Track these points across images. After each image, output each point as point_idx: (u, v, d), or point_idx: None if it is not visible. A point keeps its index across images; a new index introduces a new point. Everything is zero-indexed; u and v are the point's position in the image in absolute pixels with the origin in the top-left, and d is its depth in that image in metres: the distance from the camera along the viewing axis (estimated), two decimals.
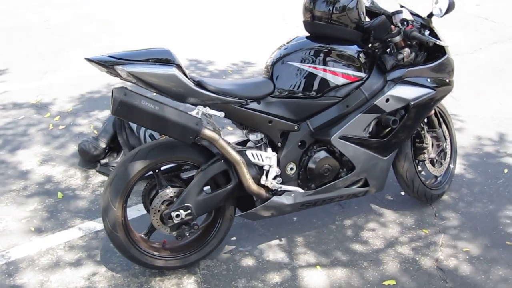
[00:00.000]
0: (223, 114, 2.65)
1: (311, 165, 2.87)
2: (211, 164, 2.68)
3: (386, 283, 2.78)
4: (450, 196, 3.53)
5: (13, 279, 2.79)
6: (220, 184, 2.76)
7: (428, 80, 3.00)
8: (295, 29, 6.79)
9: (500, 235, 3.15)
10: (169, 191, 2.67)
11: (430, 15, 3.04)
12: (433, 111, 3.26)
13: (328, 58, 2.79)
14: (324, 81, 2.78)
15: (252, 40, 6.98)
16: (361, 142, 2.90)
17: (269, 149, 2.81)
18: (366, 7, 3.02)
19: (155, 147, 2.63)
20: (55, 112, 4.81)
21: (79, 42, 6.83)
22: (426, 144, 3.25)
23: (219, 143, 2.59)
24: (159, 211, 2.67)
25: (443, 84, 3.06)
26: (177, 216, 2.62)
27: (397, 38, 2.92)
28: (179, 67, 2.48)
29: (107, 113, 4.73)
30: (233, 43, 6.86)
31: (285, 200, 2.83)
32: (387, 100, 2.87)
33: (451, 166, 3.52)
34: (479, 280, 2.79)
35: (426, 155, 3.26)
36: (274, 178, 2.82)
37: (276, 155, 2.80)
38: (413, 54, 3.00)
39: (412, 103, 2.91)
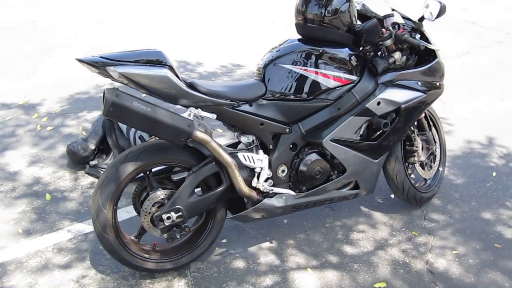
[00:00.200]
0: (215, 116, 2.65)
1: (302, 167, 2.87)
2: (203, 166, 2.67)
3: (376, 285, 2.79)
4: (439, 199, 3.55)
5: (1, 282, 2.76)
6: (212, 186, 2.75)
7: (419, 83, 3.01)
8: (284, 32, 6.81)
9: (489, 237, 3.17)
10: (160, 193, 2.66)
11: (421, 19, 3.06)
12: (423, 114, 3.27)
13: (319, 61, 2.80)
14: (315, 84, 2.79)
15: (241, 42, 6.97)
16: (352, 145, 2.90)
17: (261, 152, 2.80)
18: (357, 10, 3.03)
19: (146, 149, 2.61)
20: (43, 113, 4.77)
21: (67, 43, 6.77)
22: (416, 147, 3.26)
23: (210, 145, 2.58)
24: (149, 213, 2.66)
25: (433, 88, 3.07)
26: (168, 218, 2.61)
27: (388, 42, 2.93)
28: (171, 68, 2.47)
29: (96, 114, 4.70)
30: (222, 45, 6.84)
31: (276, 202, 2.83)
32: (378, 103, 2.88)
33: (441, 169, 3.54)
34: (469, 283, 2.81)
35: (416, 158, 3.28)
36: (266, 180, 2.81)
37: (267, 157, 2.80)
38: (404, 57, 3.01)
39: (403, 106, 2.92)
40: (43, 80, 5.56)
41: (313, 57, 2.80)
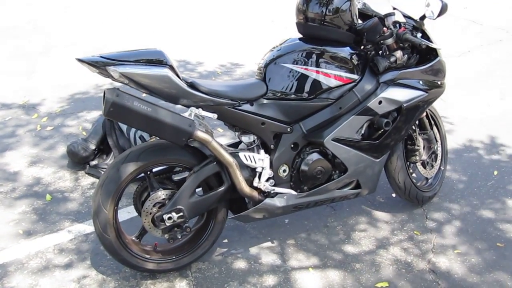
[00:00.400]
0: (215, 115, 2.63)
1: (303, 167, 2.86)
2: (204, 166, 2.66)
3: (378, 285, 2.78)
4: (441, 198, 3.54)
5: (2, 283, 2.75)
6: (213, 186, 2.74)
7: (420, 82, 3.00)
8: (284, 31, 6.80)
9: (491, 236, 3.16)
10: (161, 194, 2.65)
11: (423, 17, 3.05)
12: (424, 113, 3.26)
13: (320, 60, 2.79)
14: (316, 83, 2.78)
15: (241, 41, 6.96)
16: (353, 144, 2.89)
17: (262, 151, 2.79)
18: (358, 9, 3.02)
19: (147, 149, 2.60)
20: (43, 113, 4.76)
21: (67, 42, 6.76)
22: (418, 146, 3.25)
23: (212, 145, 2.57)
24: (150, 213, 2.65)
25: (435, 86, 3.06)
26: (169, 218, 2.60)
27: (390, 40, 2.92)
28: (171, 68, 2.46)
29: (96, 114, 4.69)
30: (223, 44, 6.84)
31: (277, 202, 2.82)
32: (380, 102, 2.87)
33: (442, 168, 3.53)
34: (471, 282, 2.80)
35: (417, 157, 3.26)
36: (267, 180, 2.80)
37: (268, 157, 2.79)
38: (406, 56, 3.00)
39: (404, 105, 2.91)
40: (43, 80, 5.55)
41: (314, 56, 2.79)
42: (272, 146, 2.80)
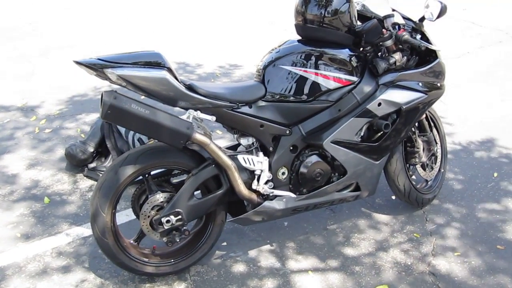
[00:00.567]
0: (214, 118, 2.62)
1: (302, 169, 2.85)
2: (202, 169, 2.64)
3: None
4: (440, 200, 3.52)
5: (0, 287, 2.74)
6: (211, 189, 2.72)
7: (420, 84, 2.99)
8: (283, 32, 6.79)
9: (491, 239, 3.15)
10: (159, 196, 2.63)
11: (422, 19, 3.03)
12: (424, 115, 3.25)
13: (319, 62, 2.77)
14: (315, 85, 2.76)
15: (240, 43, 6.96)
16: (353, 147, 2.88)
17: (261, 154, 2.78)
18: (357, 10, 3.00)
19: (145, 152, 2.59)
20: (42, 115, 4.74)
21: (66, 44, 6.75)
22: (418, 148, 3.24)
23: (210, 147, 2.55)
24: (149, 216, 2.63)
25: (434, 88, 3.05)
26: (168, 221, 2.59)
27: (389, 42, 2.91)
28: (169, 70, 2.45)
29: (94, 116, 4.68)
30: (222, 46, 6.83)
31: (276, 205, 2.80)
32: (379, 104, 2.86)
33: (442, 170, 3.51)
34: (471, 285, 2.78)
35: (417, 159, 3.25)
36: (266, 183, 2.79)
37: (267, 159, 2.77)
38: (405, 58, 2.99)
39: (404, 107, 2.90)
40: (41, 82, 5.54)
41: (313, 58, 2.77)
42: (271, 149, 2.79)
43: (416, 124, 3.26)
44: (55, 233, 3.16)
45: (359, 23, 2.98)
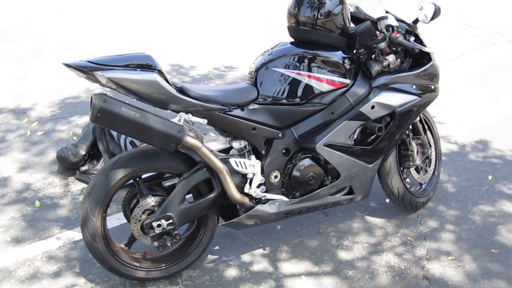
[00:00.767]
0: (205, 121, 2.59)
1: (295, 173, 2.82)
2: (194, 172, 2.62)
3: None
4: (435, 203, 3.50)
5: None
6: (203, 193, 2.70)
7: (414, 86, 2.97)
8: (278, 34, 6.76)
9: (486, 243, 3.13)
10: (150, 200, 2.60)
11: (416, 21, 3.01)
12: (418, 118, 3.23)
13: (312, 64, 2.75)
14: (308, 88, 2.74)
15: (235, 44, 6.93)
16: (346, 150, 2.86)
17: (253, 157, 2.75)
18: (351, 12, 2.98)
19: (136, 155, 2.56)
20: (34, 117, 4.71)
21: (59, 46, 6.71)
22: (411, 151, 3.22)
23: (201, 151, 2.53)
24: (140, 220, 2.60)
25: (428, 91, 3.03)
26: (159, 226, 2.56)
27: (382, 44, 2.89)
28: (160, 73, 2.42)
29: (87, 119, 4.64)
30: (215, 48, 6.80)
31: (269, 208, 2.78)
32: (373, 107, 2.84)
33: (436, 173, 3.49)
34: None
35: (411, 162, 3.23)
36: (258, 186, 2.76)
37: (260, 163, 2.75)
38: (399, 60, 2.97)
39: (397, 110, 2.88)
40: (34, 84, 5.50)
41: (306, 60, 2.75)
42: (263, 152, 2.76)
43: (410, 127, 3.24)
44: (46, 237, 3.13)
45: (352, 25, 2.96)
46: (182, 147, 2.53)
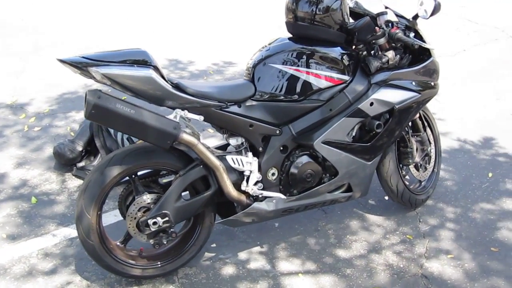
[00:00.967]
0: (202, 117, 2.56)
1: (293, 170, 2.79)
2: (190, 170, 2.59)
3: None
4: (434, 201, 3.47)
5: None
6: (199, 190, 2.66)
7: (413, 83, 2.93)
8: (277, 30, 6.72)
9: (485, 241, 3.10)
10: (146, 198, 2.57)
11: (415, 17, 2.98)
12: (417, 115, 3.20)
13: (311, 60, 2.71)
14: (306, 84, 2.71)
15: (234, 40, 6.89)
16: (344, 147, 2.82)
17: (250, 154, 2.72)
18: (350, 8, 2.95)
19: (131, 152, 2.53)
20: (31, 113, 4.67)
21: (56, 41, 6.67)
22: (411, 148, 3.18)
23: (198, 148, 2.50)
24: (135, 218, 2.57)
25: (428, 87, 2.99)
26: (154, 223, 2.53)
27: (382, 40, 2.85)
28: (156, 68, 2.39)
29: None
30: (215, 43, 6.76)
31: (266, 206, 2.75)
32: (371, 104, 2.80)
33: (436, 170, 3.46)
34: None
35: (410, 160, 3.20)
36: (255, 184, 2.73)
37: (257, 160, 2.72)
38: (398, 56, 2.93)
39: (396, 106, 2.85)
40: (31, 80, 5.46)
41: (304, 56, 2.72)
42: (260, 149, 2.73)
43: (410, 124, 3.20)
44: (42, 234, 3.10)
45: (351, 20, 2.92)
46: (178, 144, 2.51)
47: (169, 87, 2.42)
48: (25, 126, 4.42)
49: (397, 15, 3.01)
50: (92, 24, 7.44)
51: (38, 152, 4.02)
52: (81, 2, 8.62)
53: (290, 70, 2.69)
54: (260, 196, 2.75)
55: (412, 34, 2.95)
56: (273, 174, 2.77)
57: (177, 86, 2.48)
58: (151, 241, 2.62)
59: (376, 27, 2.88)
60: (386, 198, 3.43)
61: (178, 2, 8.65)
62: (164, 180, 2.74)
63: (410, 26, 3.00)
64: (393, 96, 2.86)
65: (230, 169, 2.65)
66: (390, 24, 2.93)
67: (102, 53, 2.36)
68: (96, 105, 2.26)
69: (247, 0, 8.79)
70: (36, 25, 7.37)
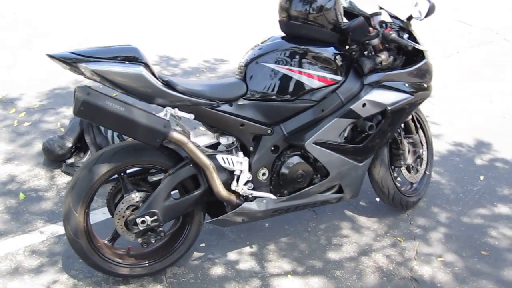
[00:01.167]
0: (193, 116, 2.53)
1: (284, 170, 2.77)
2: (180, 168, 2.56)
3: None
4: (425, 203, 3.46)
5: None
6: (189, 189, 2.64)
7: (406, 84, 2.92)
8: (271, 27, 6.69)
9: (475, 244, 3.09)
10: (135, 196, 2.54)
11: (410, 18, 2.96)
12: (410, 117, 3.18)
13: (303, 60, 2.69)
14: (299, 84, 2.68)
15: (227, 37, 6.85)
16: (336, 148, 2.80)
17: (241, 154, 2.69)
18: (344, 7, 2.93)
19: (121, 150, 2.50)
20: (22, 108, 4.62)
21: (48, 36, 6.60)
22: (403, 150, 3.17)
23: (187, 146, 2.47)
24: (123, 216, 2.54)
25: (421, 89, 2.98)
26: (143, 222, 2.50)
27: (375, 41, 2.84)
28: (146, 65, 2.36)
29: None
30: (207, 40, 6.72)
31: (256, 206, 2.72)
32: (364, 105, 2.78)
33: (427, 172, 3.45)
34: None
35: (402, 162, 3.19)
36: (245, 183, 2.71)
37: (247, 159, 2.69)
38: (391, 57, 2.91)
39: (389, 108, 2.83)
40: (22, 74, 5.40)
41: (297, 56, 2.69)
42: (251, 149, 2.71)
43: (402, 125, 3.19)
44: (29, 231, 3.07)
45: (345, 20, 2.90)
46: (168, 142, 2.48)
47: (159, 84, 2.39)
48: (14, 121, 4.37)
49: (391, 16, 2.99)
50: (84, 20, 7.38)
51: (27, 147, 3.97)
52: None
53: (282, 69, 2.67)
54: (250, 196, 2.73)
55: (406, 35, 2.93)
56: (263, 174, 2.75)
57: (167, 84, 2.45)
58: (139, 240, 2.59)
59: (370, 28, 2.86)
60: (377, 199, 3.41)
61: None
62: (154, 179, 2.72)
63: (404, 27, 2.98)
64: (386, 97, 2.84)
65: (220, 169, 2.63)
66: (384, 25, 2.92)
67: (92, 49, 2.33)
68: (85, 102, 2.22)
69: None
70: (28, 19, 7.30)
